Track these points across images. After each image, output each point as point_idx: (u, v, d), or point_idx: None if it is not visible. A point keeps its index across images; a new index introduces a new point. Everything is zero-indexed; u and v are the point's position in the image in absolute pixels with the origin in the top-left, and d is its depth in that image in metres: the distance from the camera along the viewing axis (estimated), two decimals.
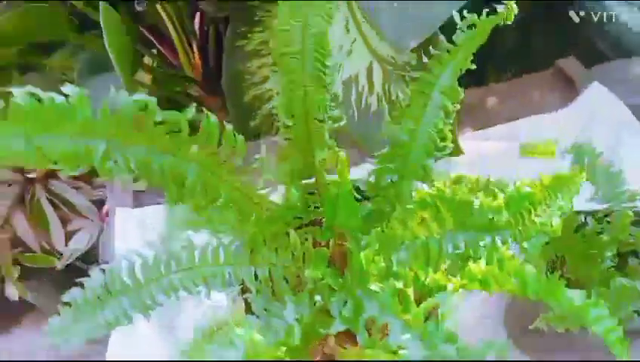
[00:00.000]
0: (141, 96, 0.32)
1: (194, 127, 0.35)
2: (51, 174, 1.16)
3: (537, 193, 0.32)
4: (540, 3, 0.97)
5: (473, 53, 0.40)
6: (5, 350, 1.17)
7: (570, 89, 0.84)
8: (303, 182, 0.42)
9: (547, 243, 0.43)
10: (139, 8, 0.85)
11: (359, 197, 0.41)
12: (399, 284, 0.29)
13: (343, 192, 0.36)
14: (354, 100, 0.69)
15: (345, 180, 0.35)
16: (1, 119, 0.29)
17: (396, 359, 0.26)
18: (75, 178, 1.14)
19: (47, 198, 1.14)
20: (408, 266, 0.32)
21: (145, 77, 1.15)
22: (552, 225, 0.32)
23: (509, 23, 0.38)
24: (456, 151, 0.65)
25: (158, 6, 0.96)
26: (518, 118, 0.82)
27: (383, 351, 0.27)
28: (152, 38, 1.12)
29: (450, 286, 0.28)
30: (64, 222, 1.16)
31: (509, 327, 0.57)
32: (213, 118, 0.34)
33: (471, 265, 0.28)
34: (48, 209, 1.16)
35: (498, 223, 0.32)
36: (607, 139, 0.73)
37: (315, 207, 0.42)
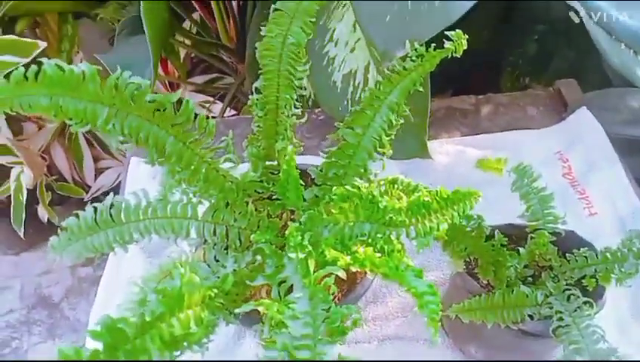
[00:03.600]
0: (136, 78, 0.41)
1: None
2: None
3: (434, 203, 0.40)
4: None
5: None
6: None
7: (565, 110, 0.88)
8: (267, 163, 0.50)
9: (465, 247, 0.51)
10: None
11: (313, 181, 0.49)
12: (301, 255, 0.37)
13: (290, 179, 0.45)
14: (350, 92, 0.77)
15: (291, 170, 0.43)
16: (34, 82, 0.38)
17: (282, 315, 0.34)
18: None
19: (84, 136, 1.27)
20: (327, 243, 0.41)
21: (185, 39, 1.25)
22: (438, 230, 0.39)
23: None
24: (425, 154, 0.72)
25: None
26: (509, 130, 0.88)
27: (279, 304, 0.36)
28: (194, 4, 1.21)
29: (339, 262, 0.37)
30: (96, 159, 1.29)
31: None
32: (191, 103, 0.43)
33: (359, 249, 0.36)
34: (84, 145, 1.28)
35: (396, 221, 0.39)
36: (581, 165, 0.78)
37: (274, 184, 0.51)
